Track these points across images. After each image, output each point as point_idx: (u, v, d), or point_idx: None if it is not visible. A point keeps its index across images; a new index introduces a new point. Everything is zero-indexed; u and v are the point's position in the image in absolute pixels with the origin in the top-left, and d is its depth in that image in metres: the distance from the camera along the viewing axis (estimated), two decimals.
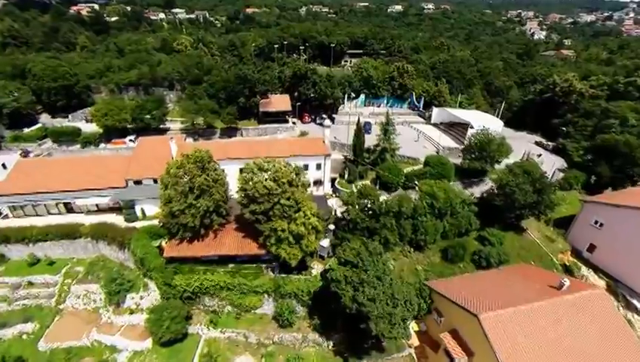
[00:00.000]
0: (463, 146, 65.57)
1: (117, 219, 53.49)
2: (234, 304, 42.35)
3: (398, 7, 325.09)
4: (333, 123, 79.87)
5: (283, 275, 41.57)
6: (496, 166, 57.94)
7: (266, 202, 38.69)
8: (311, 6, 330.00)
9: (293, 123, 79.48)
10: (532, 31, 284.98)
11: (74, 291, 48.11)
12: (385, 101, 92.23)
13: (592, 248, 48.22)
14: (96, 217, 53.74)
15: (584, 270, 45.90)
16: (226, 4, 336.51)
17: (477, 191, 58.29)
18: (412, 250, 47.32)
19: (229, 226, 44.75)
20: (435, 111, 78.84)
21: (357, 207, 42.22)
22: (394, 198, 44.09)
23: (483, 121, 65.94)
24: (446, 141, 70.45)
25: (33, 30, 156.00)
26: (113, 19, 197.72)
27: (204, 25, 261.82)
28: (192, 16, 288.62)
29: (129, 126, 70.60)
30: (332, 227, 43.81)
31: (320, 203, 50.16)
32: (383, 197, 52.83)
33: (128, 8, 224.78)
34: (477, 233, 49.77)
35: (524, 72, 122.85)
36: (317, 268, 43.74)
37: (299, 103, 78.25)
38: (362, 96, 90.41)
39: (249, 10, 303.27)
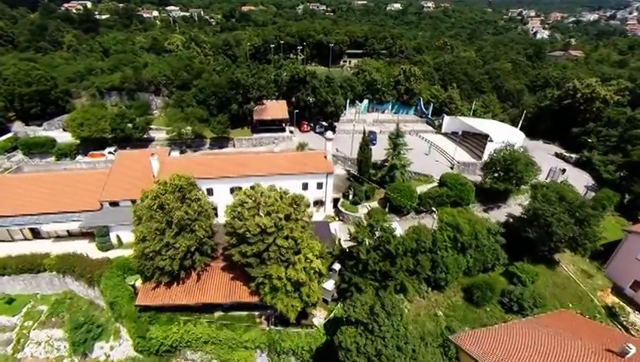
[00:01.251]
0: (480, 161, 58.74)
1: (90, 247, 46.63)
2: (221, 359, 35.39)
3: (397, 6, 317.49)
4: (334, 132, 72.85)
5: (279, 328, 34.52)
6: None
7: (259, 242, 31.74)
8: (308, 4, 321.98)
9: (291, 132, 72.33)
10: (534, 30, 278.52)
11: (34, 337, 41.05)
12: (390, 107, 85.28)
13: (637, 285, 41.58)
14: (67, 244, 47.08)
15: (633, 315, 39.14)
16: (222, 2, 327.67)
17: (499, 215, 51.51)
18: (430, 289, 40.52)
19: (216, 264, 37.67)
20: (447, 119, 71.85)
21: (367, 243, 35.26)
22: (410, 233, 37.11)
23: (503, 133, 59.07)
24: (461, 155, 63.41)
25: (19, 28, 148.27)
26: (104, 17, 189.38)
27: (198, 23, 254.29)
28: (187, 14, 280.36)
29: (109, 136, 63.23)
30: (337, 266, 36.83)
31: (321, 230, 43.24)
32: (395, 224, 45.92)
33: (121, 6, 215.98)
34: (504, 267, 43.06)
35: (534, 74, 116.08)
36: (319, 315, 36.79)
37: (297, 111, 71.14)
38: (365, 102, 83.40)
39: (245, 9, 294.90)
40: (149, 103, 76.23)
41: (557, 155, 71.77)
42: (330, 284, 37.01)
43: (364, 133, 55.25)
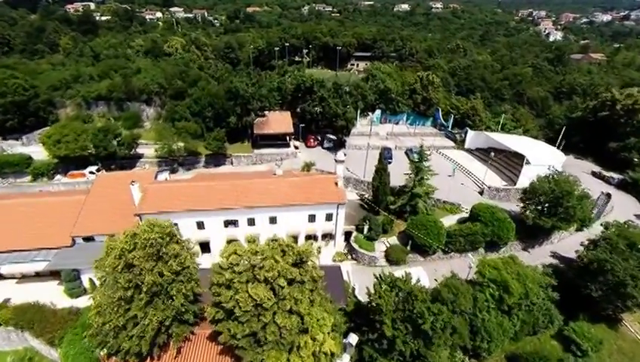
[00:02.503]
0: (515, 187, 50.37)
1: (59, 290, 39.32)
2: None
3: (405, 7, 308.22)
4: (344, 147, 64.92)
5: None
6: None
7: (253, 320, 23.80)
8: (314, 5, 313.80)
9: (296, 147, 64.33)
10: (547, 31, 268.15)
11: None
12: (404, 118, 77.00)
13: None
14: (33, 286, 39.67)
15: None
16: (226, 3, 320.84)
17: (541, 254, 43.26)
18: (467, 358, 32.37)
19: (201, 332, 29.70)
20: (471, 134, 63.49)
21: (391, 309, 27.16)
22: (443, 291, 28.87)
23: (540, 154, 50.72)
24: (491, 178, 54.89)
25: (17, 31, 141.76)
26: (104, 18, 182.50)
27: (202, 24, 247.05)
28: (191, 15, 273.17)
29: (91, 152, 55.50)
30: (354, 339, 28.74)
31: (332, 277, 35.09)
32: (420, 272, 37.73)
33: (122, 7, 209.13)
34: (556, 327, 34.82)
35: (558, 80, 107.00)
36: None
37: (303, 125, 63.16)
38: (378, 112, 75.21)
39: (250, 9, 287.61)
40: (140, 114, 68.53)
41: (595, 175, 63.12)
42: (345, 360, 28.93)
43: (380, 155, 46.98)
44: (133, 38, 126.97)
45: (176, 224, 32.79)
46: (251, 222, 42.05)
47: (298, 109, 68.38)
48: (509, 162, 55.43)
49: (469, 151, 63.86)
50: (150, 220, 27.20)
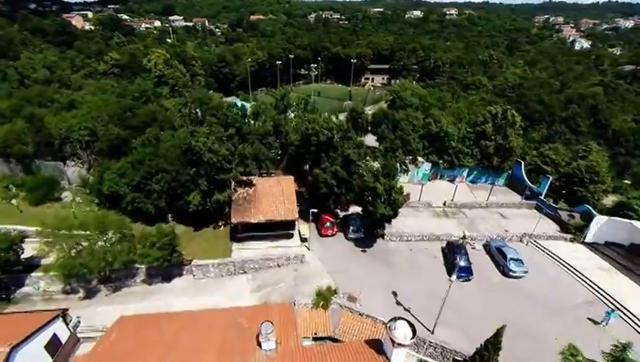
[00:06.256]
0: None
1: None
2: None
3: (417, 13, 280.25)
4: (382, 234, 37.72)
5: None
6: None
7: None
8: (320, 12, 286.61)
9: (303, 240, 37.03)
10: (571, 39, 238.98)
11: None
12: (464, 172, 49.59)
13: None
14: None
15: None
16: (230, 11, 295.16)
17: None
18: None
19: None
20: (602, 222, 35.72)
21: None
22: None
23: None
24: None
25: None
26: (87, 27, 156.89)
27: (202, 33, 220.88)
28: (190, 24, 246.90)
29: None
30: None
31: None
32: None
33: (111, 13, 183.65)
34: None
35: None
36: None
37: (314, 210, 35.58)
38: (427, 166, 47.79)
39: (253, 18, 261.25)
40: (58, 179, 41.75)
41: None
42: None
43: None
44: (107, 52, 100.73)
45: None
46: None
47: (306, 166, 41.49)
48: None
49: (594, 247, 36.23)
50: None
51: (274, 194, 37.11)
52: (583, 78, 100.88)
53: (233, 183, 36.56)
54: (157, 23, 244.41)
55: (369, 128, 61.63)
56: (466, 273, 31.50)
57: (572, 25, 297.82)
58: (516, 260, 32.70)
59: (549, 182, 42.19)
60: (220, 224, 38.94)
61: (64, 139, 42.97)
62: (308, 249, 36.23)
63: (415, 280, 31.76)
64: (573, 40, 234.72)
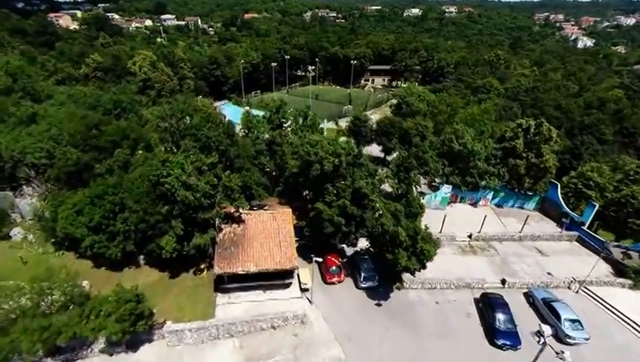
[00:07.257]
0: None
1: None
2: None
3: (415, 11, 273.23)
4: (399, 281, 30.73)
5: None
6: None
7: None
8: (317, 10, 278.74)
9: (303, 290, 29.99)
10: (574, 37, 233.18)
11: None
12: (488, 194, 42.75)
13: None
14: None
15: None
16: (224, 10, 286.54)
17: None
18: None
19: None
20: None
21: None
22: None
23: None
24: None
25: None
26: (72, 27, 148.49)
27: (194, 33, 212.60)
28: (182, 23, 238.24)
29: None
30: None
31: None
32: None
33: (99, 12, 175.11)
34: None
35: None
36: None
37: (318, 259, 28.42)
38: (447, 189, 40.82)
39: (248, 16, 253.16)
40: (7, 211, 34.46)
41: None
42: None
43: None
44: (90, 53, 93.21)
45: None
46: None
47: (306, 192, 34.48)
48: None
49: None
50: None
51: (268, 234, 29.99)
52: (596, 78, 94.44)
53: (217, 220, 29.49)
54: (148, 22, 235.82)
55: (373, 137, 54.96)
56: (512, 340, 24.64)
57: (573, 22, 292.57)
58: (573, 321, 25.87)
59: (594, 211, 35.37)
60: (203, 267, 31.76)
61: (17, 162, 35.72)
62: (310, 302, 29.21)
63: (449, 349, 24.83)
64: (576, 38, 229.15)
